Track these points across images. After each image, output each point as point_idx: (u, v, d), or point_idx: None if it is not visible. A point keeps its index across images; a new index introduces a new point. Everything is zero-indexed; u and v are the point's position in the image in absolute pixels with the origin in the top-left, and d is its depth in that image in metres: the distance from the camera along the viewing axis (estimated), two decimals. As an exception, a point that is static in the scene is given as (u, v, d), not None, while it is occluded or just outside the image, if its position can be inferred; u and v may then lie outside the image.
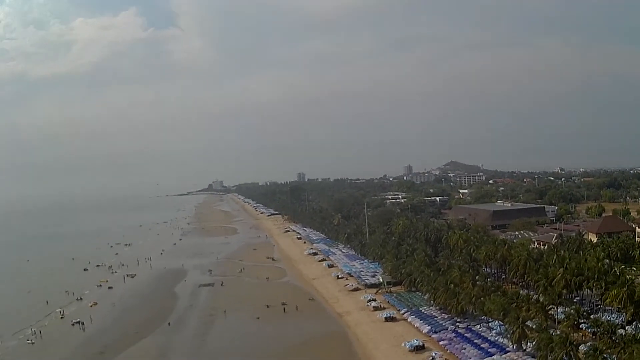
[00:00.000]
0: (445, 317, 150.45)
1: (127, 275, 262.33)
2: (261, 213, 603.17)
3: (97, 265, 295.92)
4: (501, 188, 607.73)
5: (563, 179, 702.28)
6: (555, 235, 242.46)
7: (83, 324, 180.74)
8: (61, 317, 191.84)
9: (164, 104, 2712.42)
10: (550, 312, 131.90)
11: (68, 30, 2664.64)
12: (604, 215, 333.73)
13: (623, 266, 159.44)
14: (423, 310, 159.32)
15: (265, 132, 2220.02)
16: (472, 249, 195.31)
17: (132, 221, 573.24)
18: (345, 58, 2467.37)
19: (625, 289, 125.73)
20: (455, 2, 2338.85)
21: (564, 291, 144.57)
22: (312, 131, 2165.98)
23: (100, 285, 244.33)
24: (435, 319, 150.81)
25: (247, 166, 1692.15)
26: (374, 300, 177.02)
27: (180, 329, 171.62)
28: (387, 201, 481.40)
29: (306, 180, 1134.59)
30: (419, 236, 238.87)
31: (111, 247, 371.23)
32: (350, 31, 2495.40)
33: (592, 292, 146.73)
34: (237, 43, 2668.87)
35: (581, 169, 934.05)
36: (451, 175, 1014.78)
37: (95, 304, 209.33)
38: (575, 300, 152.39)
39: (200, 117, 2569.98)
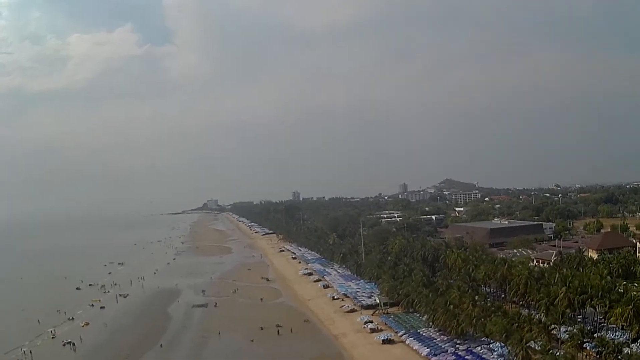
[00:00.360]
0: (445, 338, 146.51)
1: (120, 295, 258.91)
2: (256, 232, 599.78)
3: (90, 285, 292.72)
4: (497, 205, 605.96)
5: (560, 195, 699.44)
6: (555, 252, 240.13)
7: (74, 344, 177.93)
8: (52, 337, 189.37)
9: (159, 119, 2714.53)
10: (552, 332, 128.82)
11: (64, 46, 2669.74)
12: (602, 231, 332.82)
13: (625, 282, 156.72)
14: (421, 332, 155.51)
15: (260, 148, 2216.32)
16: (470, 269, 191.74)
17: (126, 239, 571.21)
18: (339, 75, 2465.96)
19: (631, 306, 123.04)
20: (448, 18, 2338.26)
21: (567, 310, 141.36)
22: (306, 148, 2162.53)
23: (93, 305, 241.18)
24: (435, 341, 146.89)
25: (242, 184, 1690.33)
26: (371, 321, 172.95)
27: (172, 350, 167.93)
28: (383, 220, 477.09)
29: (301, 199, 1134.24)
30: (416, 256, 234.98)
31: (105, 265, 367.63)
32: (345, 47, 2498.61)
33: (596, 310, 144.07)
34: (232, 60, 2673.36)
35: (577, 185, 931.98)
36: (446, 193, 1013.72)
37: (87, 324, 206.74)
38: (578, 319, 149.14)
39: (196, 134, 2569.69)
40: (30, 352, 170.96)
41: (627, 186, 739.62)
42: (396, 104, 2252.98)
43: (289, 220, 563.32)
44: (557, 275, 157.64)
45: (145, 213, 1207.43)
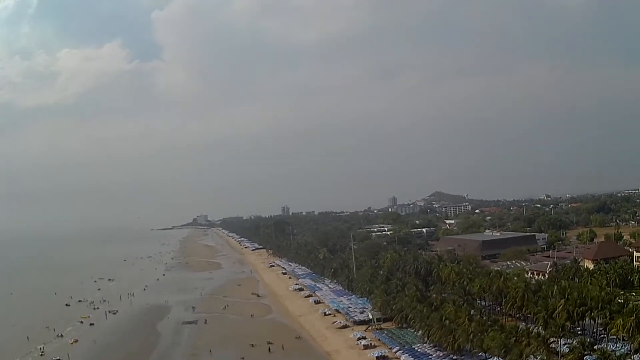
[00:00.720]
0: (441, 354, 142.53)
1: (109, 312, 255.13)
2: (245, 247, 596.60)
3: (79, 301, 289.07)
4: (488, 217, 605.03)
5: (551, 205, 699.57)
6: (550, 263, 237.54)
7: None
8: (41, 354, 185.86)
9: (149, 135, 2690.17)
10: (552, 346, 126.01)
11: (54, 61, 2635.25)
12: (595, 240, 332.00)
13: (622, 292, 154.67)
14: (417, 348, 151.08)
15: (250, 164, 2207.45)
16: (465, 282, 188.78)
17: (116, 254, 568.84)
18: (328, 90, 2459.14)
19: (633, 317, 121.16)
20: (437, 32, 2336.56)
21: (567, 323, 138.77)
22: (296, 163, 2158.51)
23: (82, 322, 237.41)
24: (430, 357, 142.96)
25: (232, 200, 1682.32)
26: (364, 338, 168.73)
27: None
28: (373, 234, 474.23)
29: (290, 213, 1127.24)
30: (408, 270, 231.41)
31: (95, 281, 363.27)
32: (334, 63, 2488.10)
33: (596, 322, 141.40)
34: (221, 75, 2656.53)
35: (567, 195, 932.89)
36: (436, 205, 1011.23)
37: (76, 341, 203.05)
38: (577, 331, 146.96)
39: (185, 149, 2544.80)
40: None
41: (619, 194, 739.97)
42: (384, 118, 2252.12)
43: (278, 235, 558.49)
44: (555, 287, 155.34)
45: (134, 228, 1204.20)
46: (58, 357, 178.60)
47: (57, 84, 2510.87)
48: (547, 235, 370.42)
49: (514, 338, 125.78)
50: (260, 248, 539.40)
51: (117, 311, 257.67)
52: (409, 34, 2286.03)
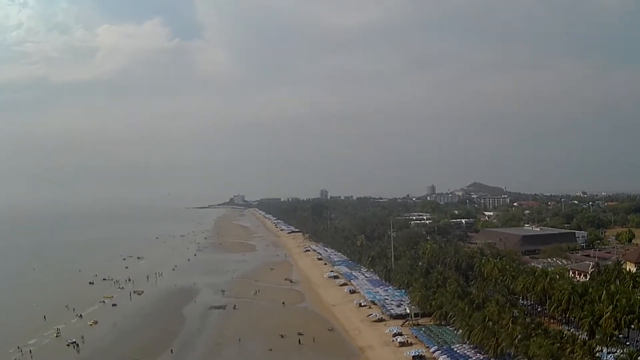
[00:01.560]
0: (481, 357, 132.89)
1: (134, 292, 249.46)
2: (281, 230, 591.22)
3: (104, 279, 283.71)
4: (527, 211, 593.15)
5: (590, 202, 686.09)
6: (591, 264, 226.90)
7: (78, 345, 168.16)
8: (56, 336, 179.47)
9: (186, 115, 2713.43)
10: (596, 355, 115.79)
11: (92, 37, 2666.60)
12: (634, 241, 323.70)
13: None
14: (456, 349, 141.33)
15: (289, 147, 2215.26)
16: (508, 280, 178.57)
17: (149, 233, 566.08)
18: (368, 76, 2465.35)
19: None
20: (477, 23, 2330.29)
21: (616, 332, 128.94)
22: (335, 148, 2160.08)
23: (104, 302, 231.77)
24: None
25: (270, 181, 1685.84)
26: (400, 334, 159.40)
27: (183, 356, 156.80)
28: (412, 222, 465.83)
29: (329, 197, 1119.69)
30: (449, 263, 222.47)
31: (124, 259, 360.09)
32: (374, 49, 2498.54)
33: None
34: (261, 57, 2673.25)
35: (603, 193, 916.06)
36: (474, 196, 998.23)
37: (96, 322, 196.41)
38: (620, 339, 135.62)
39: (223, 130, 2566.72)
40: (30, 351, 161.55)
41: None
42: (425, 106, 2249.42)
43: (315, 218, 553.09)
44: (603, 291, 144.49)
45: (166, 207, 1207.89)
46: (73, 339, 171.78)
47: (95, 59, 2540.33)
48: (586, 233, 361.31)
49: (558, 344, 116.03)
50: (297, 231, 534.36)
51: (142, 292, 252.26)
52: (450, 26, 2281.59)
